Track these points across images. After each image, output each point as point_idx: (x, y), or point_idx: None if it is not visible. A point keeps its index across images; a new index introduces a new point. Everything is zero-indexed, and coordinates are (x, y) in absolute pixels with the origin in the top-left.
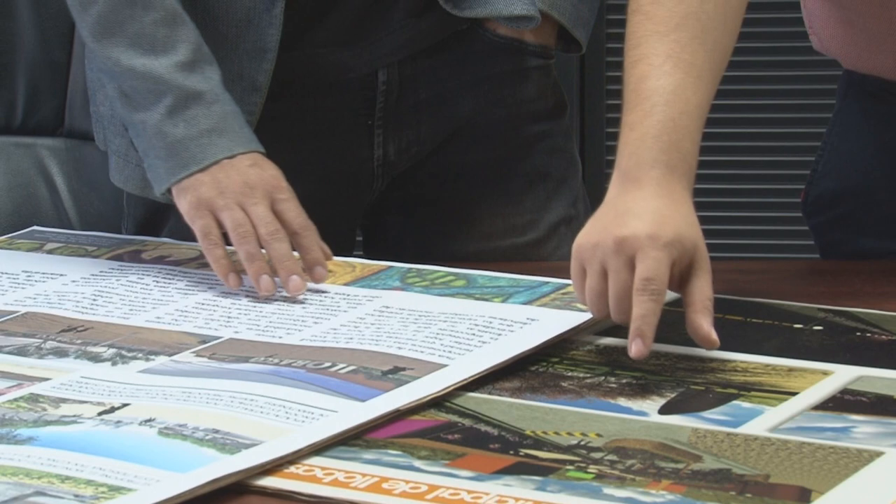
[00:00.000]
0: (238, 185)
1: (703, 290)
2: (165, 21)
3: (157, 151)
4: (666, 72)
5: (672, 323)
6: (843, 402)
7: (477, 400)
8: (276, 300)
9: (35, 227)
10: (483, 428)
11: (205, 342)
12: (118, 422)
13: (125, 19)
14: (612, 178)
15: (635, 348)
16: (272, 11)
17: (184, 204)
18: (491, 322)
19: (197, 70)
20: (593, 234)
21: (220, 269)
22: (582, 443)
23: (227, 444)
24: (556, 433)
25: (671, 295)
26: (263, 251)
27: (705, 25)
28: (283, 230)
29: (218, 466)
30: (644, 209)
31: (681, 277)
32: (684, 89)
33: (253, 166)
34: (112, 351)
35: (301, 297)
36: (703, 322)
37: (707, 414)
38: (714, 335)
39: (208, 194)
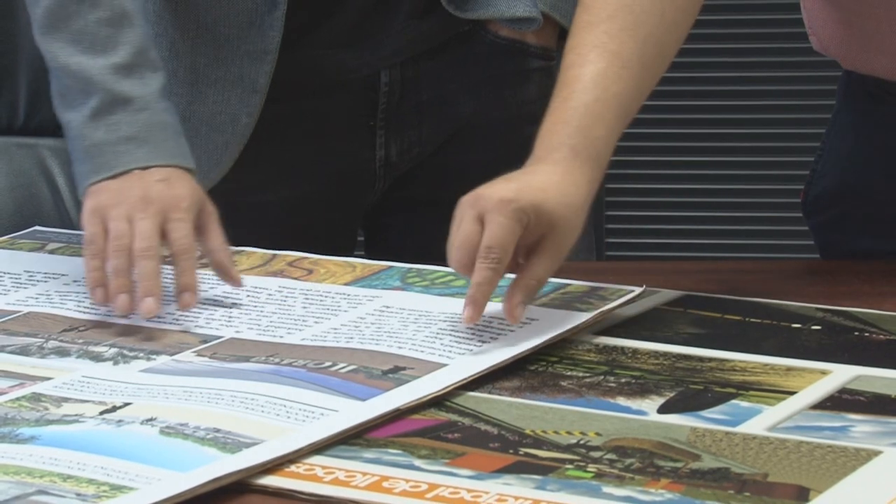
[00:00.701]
0: (135, 199)
1: (534, 269)
2: (111, 21)
3: (77, 153)
4: (590, 60)
5: (670, 322)
6: (842, 401)
7: (477, 399)
8: (277, 300)
9: (37, 227)
10: (483, 427)
11: (206, 342)
12: (120, 421)
13: (70, 15)
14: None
15: (466, 314)
16: (273, 14)
17: (84, 208)
18: (490, 322)
19: (134, 74)
20: (468, 196)
21: (88, 280)
22: (581, 442)
23: (228, 443)
24: (556, 432)
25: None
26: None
27: (638, 18)
28: (157, 249)
29: (219, 465)
30: (523, 178)
31: (527, 250)
32: (604, 77)
33: (162, 181)
34: (113, 350)
35: (302, 296)
36: (514, 296)
37: (706, 413)
38: (517, 311)
39: (105, 203)
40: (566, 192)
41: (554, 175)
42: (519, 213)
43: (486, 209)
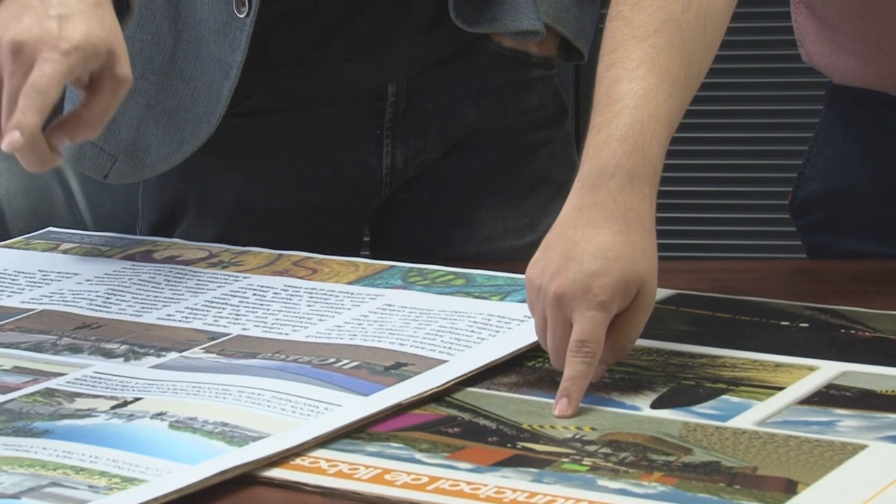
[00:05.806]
0: (8, 41)
1: (627, 330)
2: None
3: None
4: (639, 76)
5: (663, 320)
6: (828, 396)
7: (476, 395)
8: (282, 298)
9: (50, 228)
10: (482, 422)
11: (214, 339)
12: (131, 415)
13: None
14: (575, 182)
15: (559, 408)
16: (243, 32)
17: None
18: (489, 319)
19: None
20: (538, 273)
21: None
22: (577, 436)
23: (235, 436)
24: (552, 427)
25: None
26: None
27: (684, 35)
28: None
29: (226, 458)
30: (590, 247)
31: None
32: (656, 94)
33: (56, 18)
34: (125, 347)
35: (307, 295)
36: (605, 360)
37: (697, 408)
38: (598, 373)
39: None
40: (639, 238)
41: (618, 222)
42: (607, 304)
43: (573, 309)
